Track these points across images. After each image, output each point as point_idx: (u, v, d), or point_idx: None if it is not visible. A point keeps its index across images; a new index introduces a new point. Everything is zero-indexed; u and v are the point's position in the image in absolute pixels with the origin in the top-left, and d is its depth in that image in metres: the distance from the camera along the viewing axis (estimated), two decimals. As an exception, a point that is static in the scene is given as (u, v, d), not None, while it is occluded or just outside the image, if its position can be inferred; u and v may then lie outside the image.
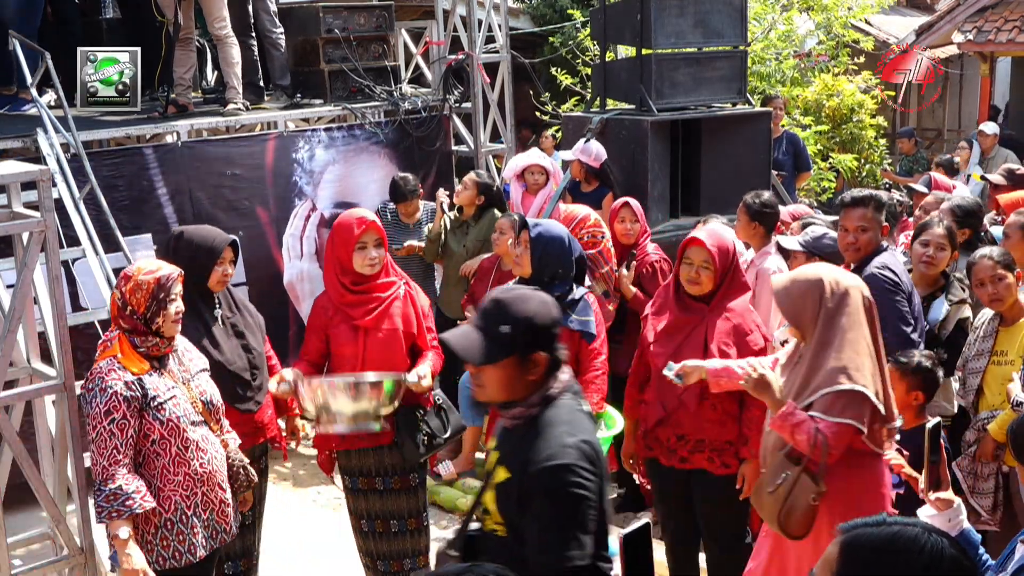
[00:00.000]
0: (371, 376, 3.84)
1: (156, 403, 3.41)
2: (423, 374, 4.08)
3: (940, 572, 1.67)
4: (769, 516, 3.34)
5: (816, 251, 4.69)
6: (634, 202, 5.52)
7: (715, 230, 4.22)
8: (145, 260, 3.60)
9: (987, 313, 4.47)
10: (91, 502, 3.53)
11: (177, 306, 3.49)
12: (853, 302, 3.34)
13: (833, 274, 3.43)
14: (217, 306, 4.10)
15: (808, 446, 3.26)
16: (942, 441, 2.70)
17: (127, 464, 3.35)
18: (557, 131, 9.63)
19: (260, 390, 4.18)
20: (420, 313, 4.29)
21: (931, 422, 2.68)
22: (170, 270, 3.52)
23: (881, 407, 3.33)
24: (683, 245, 4.09)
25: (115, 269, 5.24)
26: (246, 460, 3.85)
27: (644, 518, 1.72)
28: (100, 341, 3.57)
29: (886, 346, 3.84)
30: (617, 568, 1.70)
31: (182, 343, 3.65)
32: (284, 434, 4.51)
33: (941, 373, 4.01)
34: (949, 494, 2.60)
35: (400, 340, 4.18)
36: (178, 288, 3.51)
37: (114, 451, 3.33)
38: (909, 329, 4.23)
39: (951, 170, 8.87)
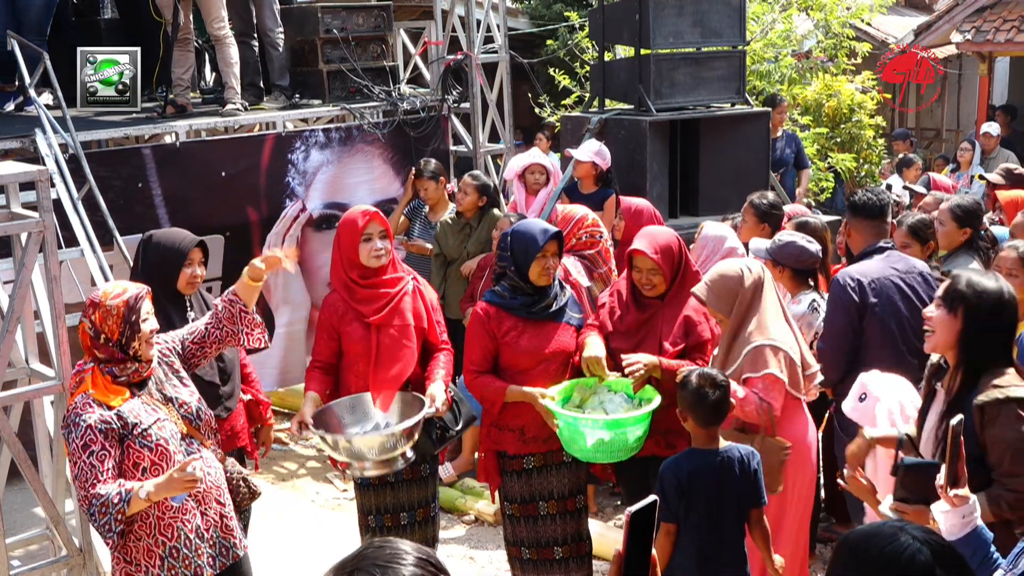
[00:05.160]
0: (400, 426, 3.85)
1: (140, 430, 3.25)
2: (437, 397, 4.04)
3: (901, 571, 1.71)
4: None
5: (779, 259, 4.67)
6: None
7: (653, 234, 4.21)
8: (109, 284, 3.41)
9: None
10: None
11: (150, 325, 3.33)
12: (766, 283, 3.96)
13: (744, 265, 4.01)
14: (189, 309, 4.07)
15: (756, 415, 3.76)
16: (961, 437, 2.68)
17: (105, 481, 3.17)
18: (557, 131, 9.61)
19: (231, 397, 4.16)
20: (429, 307, 4.28)
21: (955, 419, 2.66)
22: (136, 289, 3.35)
23: (795, 356, 3.88)
24: (627, 254, 4.18)
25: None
26: (244, 471, 3.77)
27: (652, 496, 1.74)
28: (73, 372, 3.42)
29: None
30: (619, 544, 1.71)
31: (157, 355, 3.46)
32: (258, 443, 4.48)
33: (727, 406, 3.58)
34: (965, 491, 2.60)
35: (411, 335, 4.17)
36: (147, 306, 3.34)
37: (94, 480, 3.15)
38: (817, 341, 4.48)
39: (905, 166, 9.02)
